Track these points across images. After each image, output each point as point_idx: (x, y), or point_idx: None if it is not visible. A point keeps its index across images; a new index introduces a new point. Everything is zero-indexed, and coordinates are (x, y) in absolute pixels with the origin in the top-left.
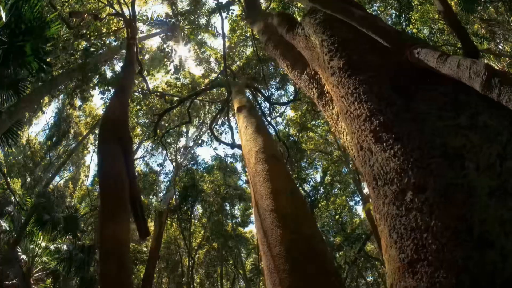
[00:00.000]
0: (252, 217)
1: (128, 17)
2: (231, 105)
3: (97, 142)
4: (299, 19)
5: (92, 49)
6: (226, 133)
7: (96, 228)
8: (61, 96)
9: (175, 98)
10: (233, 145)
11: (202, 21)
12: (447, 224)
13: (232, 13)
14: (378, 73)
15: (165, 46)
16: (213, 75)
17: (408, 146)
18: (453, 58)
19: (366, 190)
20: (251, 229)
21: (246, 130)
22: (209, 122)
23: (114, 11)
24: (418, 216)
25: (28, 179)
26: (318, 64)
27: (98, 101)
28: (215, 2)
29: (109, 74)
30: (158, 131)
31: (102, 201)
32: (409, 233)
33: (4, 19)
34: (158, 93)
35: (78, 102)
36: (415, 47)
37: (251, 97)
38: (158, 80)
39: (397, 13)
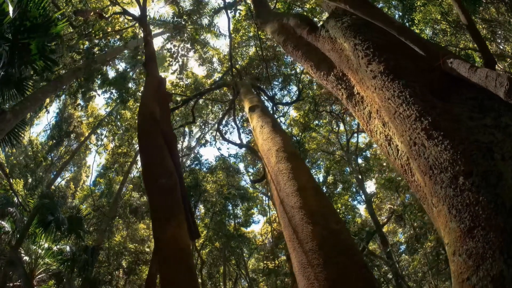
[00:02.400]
0: (255, 217)
1: (138, 16)
2: (238, 105)
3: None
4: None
5: (95, 50)
6: (230, 133)
7: (99, 228)
8: (63, 96)
9: (178, 98)
10: (241, 145)
11: (205, 21)
12: (490, 199)
13: (239, 13)
14: (416, 77)
15: (170, 46)
16: (216, 75)
17: (454, 141)
18: (482, 70)
19: (369, 190)
20: (253, 229)
21: (262, 129)
22: (212, 122)
23: (119, 10)
24: (470, 195)
25: (30, 180)
26: (348, 66)
27: (99, 101)
28: (222, 1)
29: (111, 74)
30: None
31: (154, 201)
32: (465, 208)
33: (11, 14)
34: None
35: (80, 102)
36: (448, 57)
37: None
38: None
39: (401, 13)
